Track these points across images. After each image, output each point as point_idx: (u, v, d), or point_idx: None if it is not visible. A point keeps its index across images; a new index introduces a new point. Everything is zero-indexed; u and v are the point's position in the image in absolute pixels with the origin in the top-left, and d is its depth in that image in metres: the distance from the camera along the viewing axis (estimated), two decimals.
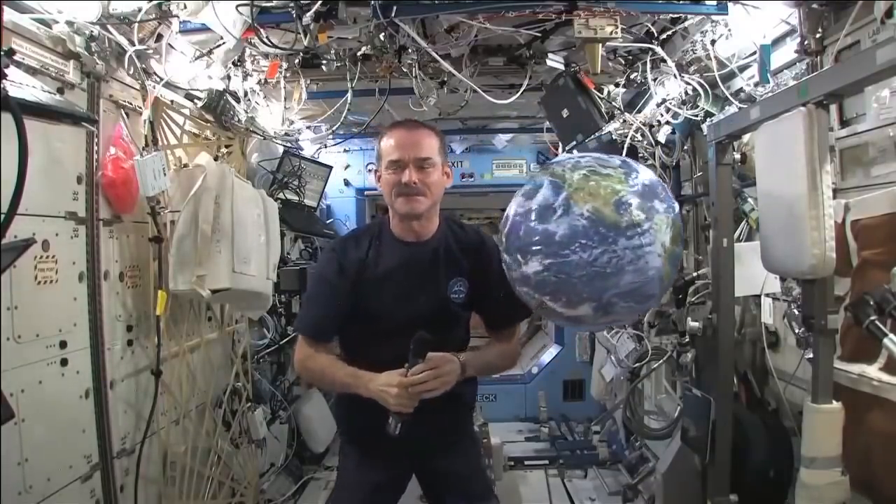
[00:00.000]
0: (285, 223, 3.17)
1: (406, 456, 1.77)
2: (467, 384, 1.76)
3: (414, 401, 1.50)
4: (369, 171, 4.62)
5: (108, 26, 1.82)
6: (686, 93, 2.49)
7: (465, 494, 1.78)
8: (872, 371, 1.58)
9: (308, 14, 1.83)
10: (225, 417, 2.68)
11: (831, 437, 1.44)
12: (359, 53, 2.32)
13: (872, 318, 1.28)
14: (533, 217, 1.46)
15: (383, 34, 2.10)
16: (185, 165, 2.33)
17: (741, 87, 2.30)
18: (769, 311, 2.24)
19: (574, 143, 2.40)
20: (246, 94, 2.56)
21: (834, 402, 1.46)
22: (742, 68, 2.26)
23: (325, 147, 3.83)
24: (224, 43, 2.07)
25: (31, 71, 1.56)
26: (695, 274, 2.75)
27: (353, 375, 1.61)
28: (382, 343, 1.65)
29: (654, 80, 2.43)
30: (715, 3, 1.98)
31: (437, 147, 1.67)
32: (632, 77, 2.48)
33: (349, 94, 2.41)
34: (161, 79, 2.05)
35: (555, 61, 2.32)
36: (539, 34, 2.17)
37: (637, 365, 3.07)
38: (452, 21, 2.04)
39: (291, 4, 1.86)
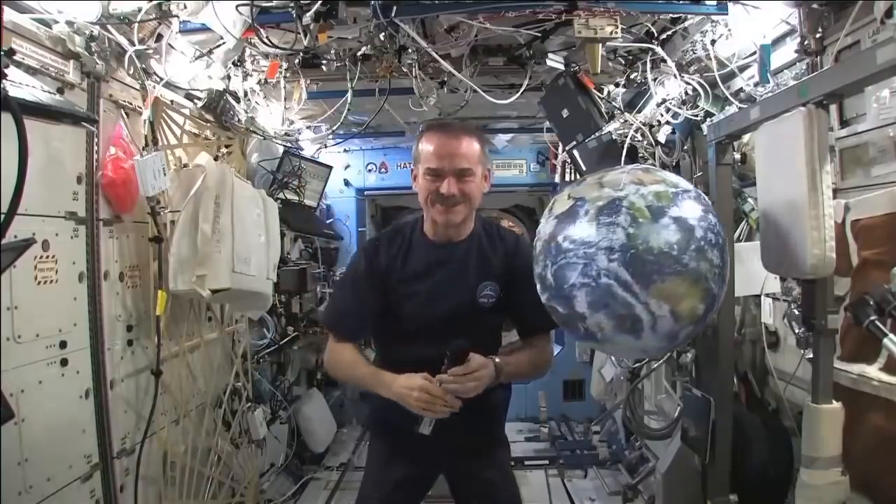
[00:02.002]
0: (285, 223, 3.17)
1: (434, 456, 1.75)
2: (499, 388, 1.74)
3: (437, 403, 1.49)
4: (369, 171, 4.63)
5: (108, 26, 1.82)
6: (686, 93, 2.49)
7: (491, 501, 1.76)
8: (872, 371, 1.58)
9: (308, 14, 1.83)
10: (225, 417, 2.68)
11: (831, 437, 1.44)
12: (359, 53, 2.32)
13: (872, 318, 1.28)
14: None
15: (383, 34, 2.10)
16: (185, 165, 2.33)
17: (741, 87, 2.30)
18: (769, 311, 2.24)
19: (574, 143, 2.40)
20: (246, 94, 2.56)
21: (834, 402, 1.46)
22: (742, 68, 2.26)
23: (325, 147, 3.83)
24: (224, 43, 2.07)
25: (31, 71, 1.56)
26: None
27: (375, 375, 1.62)
28: (412, 344, 1.65)
29: (654, 80, 2.43)
30: (715, 3, 1.98)
31: (478, 155, 1.63)
32: (632, 77, 2.48)
33: (349, 94, 2.41)
34: (161, 79, 2.05)
35: (555, 61, 2.32)
36: (539, 34, 2.17)
37: (637, 365, 3.07)
38: (452, 21, 2.04)
39: (291, 4, 1.86)
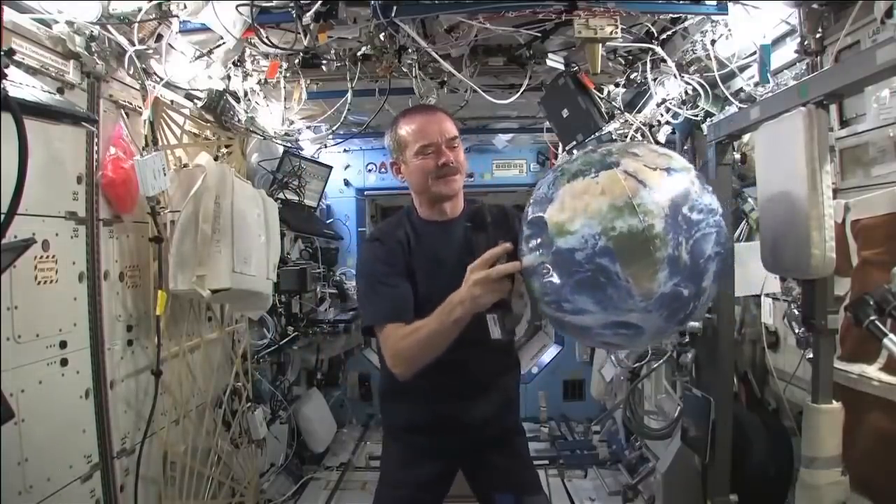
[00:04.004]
0: (285, 223, 3.17)
1: (451, 452, 1.75)
2: (511, 373, 1.79)
3: (500, 283, 1.32)
4: (369, 170, 4.63)
5: (108, 26, 1.82)
6: (686, 93, 2.49)
7: (512, 488, 1.73)
8: (872, 371, 1.58)
9: (308, 14, 1.83)
10: (225, 417, 2.68)
11: (831, 437, 1.44)
12: (359, 53, 2.32)
13: (872, 318, 1.28)
14: None
15: (383, 34, 2.10)
16: (185, 165, 2.33)
17: (741, 87, 2.31)
18: (769, 311, 2.24)
19: (574, 143, 2.40)
20: (246, 94, 2.56)
21: (834, 402, 1.46)
22: (742, 68, 2.26)
23: (325, 147, 3.83)
24: (224, 43, 2.07)
25: (31, 71, 1.56)
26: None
27: (439, 314, 1.41)
28: None
29: (654, 80, 2.43)
30: (715, 3, 1.98)
31: (455, 127, 1.68)
32: (632, 77, 2.48)
33: (349, 94, 2.41)
34: (161, 79, 2.05)
35: (555, 61, 2.32)
36: (539, 34, 2.17)
37: (637, 365, 3.07)
38: (452, 21, 2.04)
39: (291, 4, 1.86)
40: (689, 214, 1.18)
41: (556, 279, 1.21)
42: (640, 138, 2.75)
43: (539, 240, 1.23)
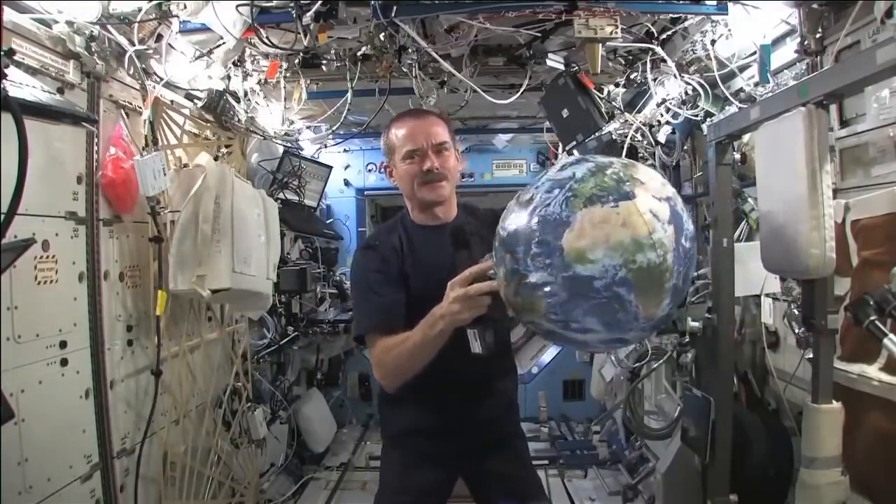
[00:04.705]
0: (285, 223, 3.17)
1: (452, 457, 1.74)
2: (509, 377, 1.80)
3: (478, 300, 1.33)
4: (369, 170, 4.63)
5: (108, 26, 1.82)
6: (686, 93, 2.49)
7: (515, 493, 1.72)
8: (872, 371, 1.58)
9: (308, 14, 1.83)
10: (225, 417, 2.68)
11: (831, 437, 1.44)
12: (359, 53, 2.32)
13: (872, 318, 1.28)
14: None
15: (383, 34, 2.10)
16: (185, 165, 2.33)
17: (741, 87, 2.30)
18: (769, 311, 2.24)
19: (574, 143, 2.40)
20: (246, 94, 2.56)
21: (834, 402, 1.46)
22: (742, 68, 2.26)
23: (325, 147, 3.83)
24: (224, 43, 2.07)
25: (31, 71, 1.56)
26: (695, 273, 2.74)
27: (422, 326, 1.44)
28: None
29: (654, 80, 2.43)
30: (715, 3, 1.98)
31: (448, 132, 1.68)
32: (632, 77, 2.48)
33: (349, 94, 2.41)
34: (161, 79, 2.05)
35: (555, 61, 2.32)
36: (539, 34, 2.17)
37: (637, 365, 3.07)
38: (452, 21, 2.04)
39: (291, 4, 1.86)
40: (686, 244, 1.23)
41: (566, 300, 1.21)
42: (641, 138, 2.75)
43: (550, 260, 1.21)
